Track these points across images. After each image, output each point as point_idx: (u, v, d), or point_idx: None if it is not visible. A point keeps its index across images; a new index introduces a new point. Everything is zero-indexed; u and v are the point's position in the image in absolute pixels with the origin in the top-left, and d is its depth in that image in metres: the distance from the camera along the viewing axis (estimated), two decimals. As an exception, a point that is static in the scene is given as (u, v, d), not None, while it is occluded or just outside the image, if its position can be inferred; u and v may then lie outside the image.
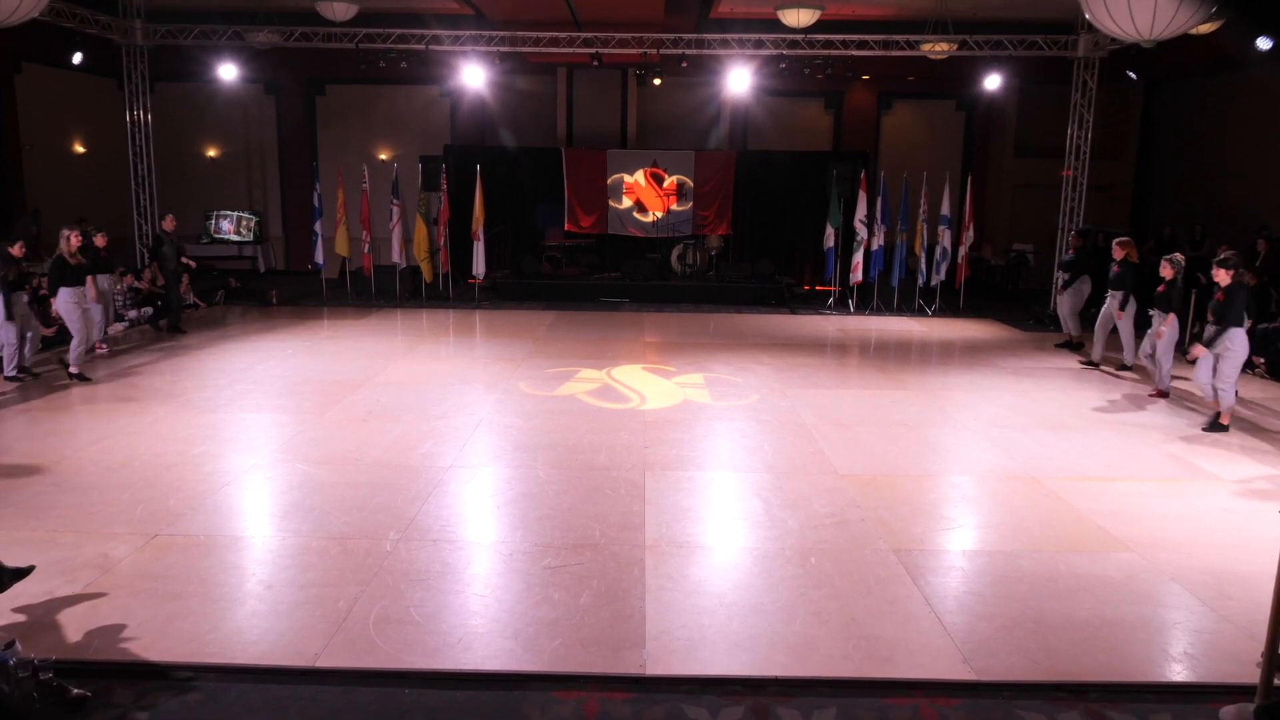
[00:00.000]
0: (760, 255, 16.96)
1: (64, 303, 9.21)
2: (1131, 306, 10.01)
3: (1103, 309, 10.50)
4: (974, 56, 14.51)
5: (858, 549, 5.33)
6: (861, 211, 14.75)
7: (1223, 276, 7.87)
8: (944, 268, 15.04)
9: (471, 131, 18.49)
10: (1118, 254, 10.33)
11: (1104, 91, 14.82)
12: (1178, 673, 4.13)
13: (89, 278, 9.68)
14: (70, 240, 9.30)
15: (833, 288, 15.50)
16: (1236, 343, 7.81)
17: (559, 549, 5.24)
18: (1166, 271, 8.85)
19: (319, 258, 15.44)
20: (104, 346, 10.62)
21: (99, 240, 10.37)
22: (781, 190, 17.05)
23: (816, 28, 12.76)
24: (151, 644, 4.12)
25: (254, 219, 18.62)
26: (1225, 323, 7.78)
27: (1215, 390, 7.93)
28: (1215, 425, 7.94)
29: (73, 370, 9.24)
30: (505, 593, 4.73)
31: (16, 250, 9.19)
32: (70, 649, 4.08)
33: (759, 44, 14.39)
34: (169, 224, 12.15)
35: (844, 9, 13.99)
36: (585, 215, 16.91)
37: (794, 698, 3.85)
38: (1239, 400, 8.27)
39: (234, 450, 7.07)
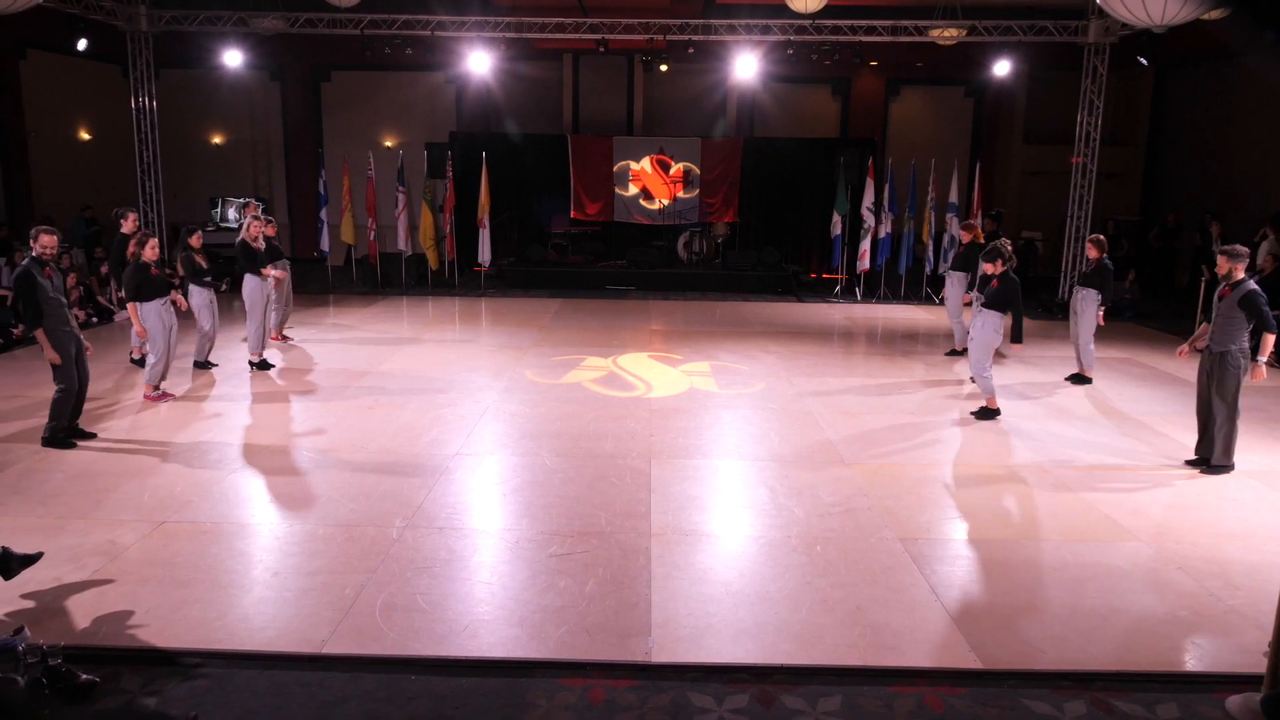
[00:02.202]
0: (767, 243, 16.91)
1: (246, 288, 9.22)
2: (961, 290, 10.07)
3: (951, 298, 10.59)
4: (983, 42, 14.39)
5: (864, 537, 5.32)
6: (869, 199, 14.69)
7: (989, 269, 7.85)
8: (952, 255, 14.94)
9: (477, 118, 18.42)
10: (965, 237, 10.40)
11: (1115, 78, 14.69)
12: (1184, 662, 4.11)
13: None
14: (252, 227, 9.29)
15: (839, 275, 15.45)
16: (988, 326, 7.76)
17: (565, 537, 5.25)
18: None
19: (324, 245, 15.45)
20: (288, 338, 10.85)
21: (269, 230, 9.92)
22: (788, 177, 16.97)
23: (824, 13, 12.64)
24: (159, 630, 4.15)
25: (259, 206, 18.58)
26: (994, 308, 7.73)
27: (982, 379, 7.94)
28: (983, 412, 7.90)
29: (252, 359, 9.36)
30: (511, 580, 4.74)
31: (195, 240, 9.11)
32: (78, 635, 4.10)
33: (766, 29, 14.29)
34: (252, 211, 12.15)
35: (852, -7, 13.90)
36: (591, 203, 16.86)
37: (800, 686, 3.85)
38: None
39: (240, 438, 7.08)
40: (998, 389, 8.05)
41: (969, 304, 9.68)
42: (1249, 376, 6.40)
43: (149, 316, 7.75)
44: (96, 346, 9.70)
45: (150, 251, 7.70)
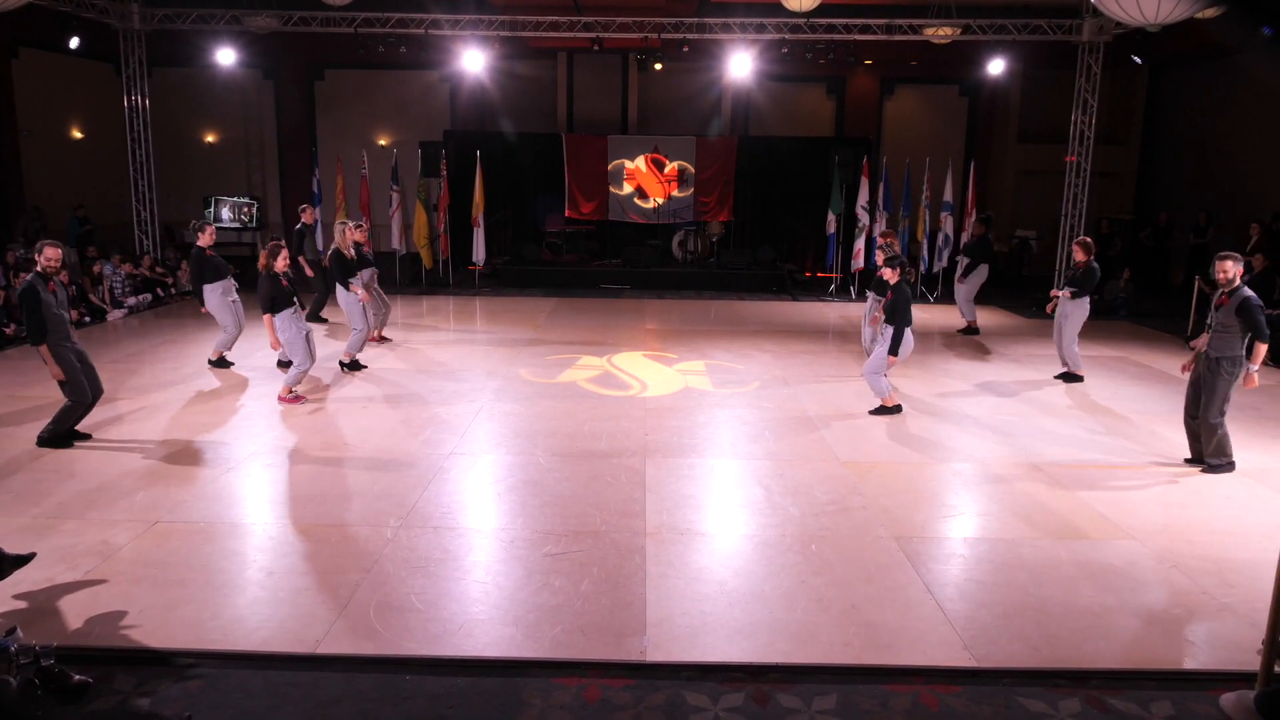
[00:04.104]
0: (762, 242, 16.91)
1: (342, 295, 9.16)
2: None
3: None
4: (977, 41, 14.40)
5: (859, 536, 5.32)
6: (863, 198, 14.71)
7: (889, 275, 7.76)
8: (946, 254, 14.99)
9: (471, 117, 18.39)
10: (880, 241, 10.41)
11: (1109, 76, 14.72)
12: (1178, 660, 4.12)
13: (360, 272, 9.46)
14: (347, 233, 9.23)
15: (834, 274, 15.46)
16: (887, 338, 7.58)
17: (560, 536, 5.24)
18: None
19: (319, 244, 15.39)
20: (388, 339, 10.78)
21: (360, 235, 9.73)
22: (783, 176, 16.97)
23: (819, 11, 12.64)
24: (152, 631, 4.13)
25: (253, 205, 18.56)
26: (893, 323, 7.53)
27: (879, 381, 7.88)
28: (881, 409, 7.88)
29: (344, 359, 9.26)
30: (506, 580, 4.73)
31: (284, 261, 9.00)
32: (71, 635, 4.08)
33: (761, 28, 14.29)
34: (309, 216, 12.00)
35: (847, -8, 13.90)
36: (586, 201, 16.84)
37: (795, 684, 3.85)
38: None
39: (234, 437, 7.06)
40: (989, 385, 8.05)
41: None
42: (1243, 384, 6.37)
43: (285, 327, 7.77)
44: (88, 347, 9.62)
45: (282, 262, 7.73)
